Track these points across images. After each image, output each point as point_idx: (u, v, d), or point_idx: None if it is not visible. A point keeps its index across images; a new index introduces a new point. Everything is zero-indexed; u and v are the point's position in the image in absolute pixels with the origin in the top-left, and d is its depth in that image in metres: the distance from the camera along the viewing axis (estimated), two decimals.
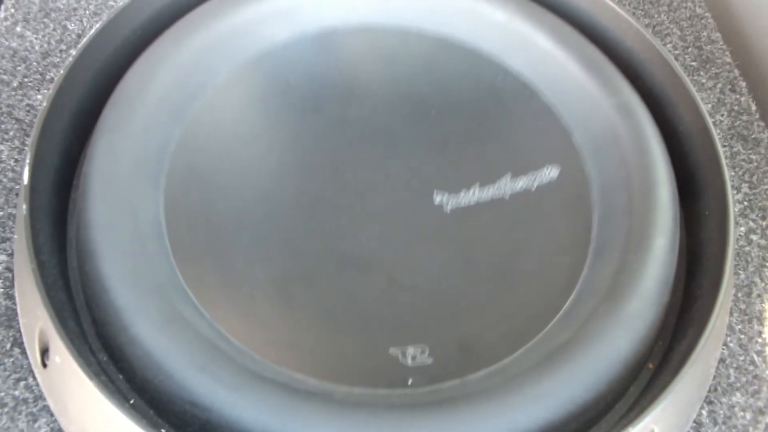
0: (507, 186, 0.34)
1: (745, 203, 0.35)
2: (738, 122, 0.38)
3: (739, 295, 0.32)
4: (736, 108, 0.39)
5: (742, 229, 0.34)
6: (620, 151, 0.32)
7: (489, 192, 0.34)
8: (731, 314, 0.31)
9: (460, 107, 0.37)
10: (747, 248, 0.33)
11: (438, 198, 0.34)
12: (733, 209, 0.28)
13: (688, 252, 0.32)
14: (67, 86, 0.30)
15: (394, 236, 0.32)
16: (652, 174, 0.31)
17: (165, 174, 0.31)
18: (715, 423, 0.28)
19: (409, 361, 0.28)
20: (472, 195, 0.34)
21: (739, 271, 0.33)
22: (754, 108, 0.39)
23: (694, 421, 0.28)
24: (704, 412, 0.29)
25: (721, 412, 0.29)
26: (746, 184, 0.36)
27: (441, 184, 0.34)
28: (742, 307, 0.32)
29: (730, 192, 0.29)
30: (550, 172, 0.34)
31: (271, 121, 0.35)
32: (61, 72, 0.29)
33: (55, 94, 0.29)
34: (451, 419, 0.24)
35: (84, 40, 0.31)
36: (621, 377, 0.26)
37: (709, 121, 0.31)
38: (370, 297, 0.30)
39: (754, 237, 0.34)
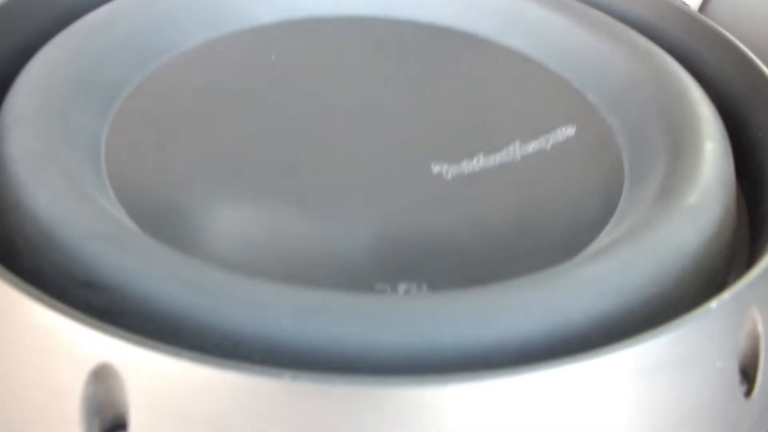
0: (517, 151, 0.29)
1: None
2: None
3: None
4: None
5: None
6: (644, 93, 0.28)
7: (496, 159, 0.29)
8: None
9: (459, 86, 0.33)
10: None
11: (437, 169, 0.29)
12: None
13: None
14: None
15: (385, 194, 0.26)
16: (685, 98, 0.26)
17: (114, 109, 0.26)
18: None
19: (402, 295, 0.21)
20: (476, 163, 0.29)
21: None
22: None
23: None
24: None
25: None
26: None
27: (439, 157, 0.29)
28: None
29: None
30: (565, 131, 0.29)
31: (248, 89, 0.32)
32: None
33: None
34: (483, 302, 0.16)
35: None
36: (691, 273, 0.19)
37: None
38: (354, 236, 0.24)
39: None
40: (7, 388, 0.15)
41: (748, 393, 0.17)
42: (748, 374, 0.17)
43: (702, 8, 0.49)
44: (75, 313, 0.14)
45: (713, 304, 0.15)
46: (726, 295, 0.16)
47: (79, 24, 0.28)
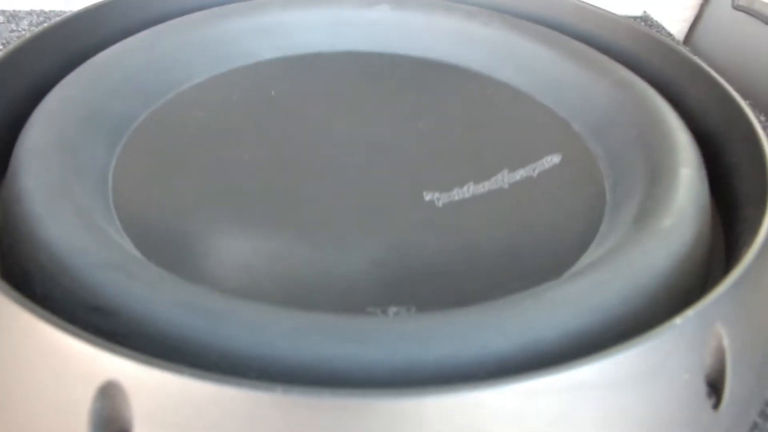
0: (505, 179, 0.31)
1: None
2: None
3: None
4: None
5: None
6: (625, 122, 0.30)
7: (485, 187, 0.30)
8: None
9: (450, 118, 0.35)
10: None
11: (428, 197, 0.30)
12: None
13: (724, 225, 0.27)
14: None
15: (378, 222, 0.27)
16: (663, 126, 0.28)
17: (121, 144, 0.28)
18: None
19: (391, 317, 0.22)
20: (467, 191, 0.30)
21: None
22: (763, 118, 0.37)
23: None
24: None
25: None
26: None
27: (431, 186, 0.30)
28: None
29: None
30: (551, 160, 0.31)
31: (250, 123, 0.33)
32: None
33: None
34: (462, 323, 0.18)
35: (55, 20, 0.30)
36: (663, 293, 0.20)
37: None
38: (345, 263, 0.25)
39: None
40: (20, 405, 0.16)
41: (716, 405, 0.18)
42: (716, 387, 0.18)
43: (687, 39, 0.51)
44: (84, 335, 0.15)
45: (678, 320, 0.17)
46: (690, 312, 0.17)
47: (88, 64, 0.30)
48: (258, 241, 0.25)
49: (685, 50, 0.32)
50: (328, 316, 0.17)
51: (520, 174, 0.30)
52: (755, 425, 0.20)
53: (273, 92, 0.35)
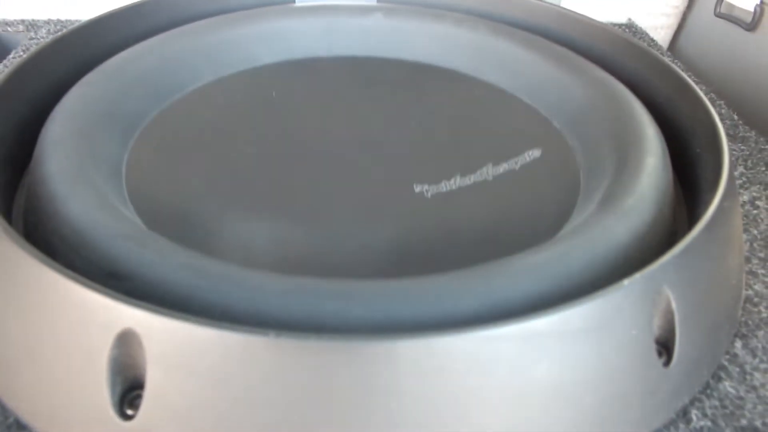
0: (489, 172, 0.33)
1: (744, 179, 0.33)
2: (723, 126, 0.37)
3: (755, 245, 0.28)
4: (718, 116, 0.38)
5: (746, 197, 0.32)
6: (598, 117, 0.32)
7: (471, 179, 0.33)
8: (749, 261, 0.28)
9: (439, 117, 0.37)
10: (755, 212, 0.31)
11: (418, 188, 0.32)
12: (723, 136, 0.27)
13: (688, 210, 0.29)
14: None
15: (370, 210, 0.30)
16: (633, 120, 0.30)
17: (134, 137, 0.30)
18: (754, 355, 0.23)
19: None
20: (453, 183, 0.33)
21: (751, 229, 0.30)
22: (736, 117, 0.39)
23: (730, 353, 0.23)
24: (738, 345, 0.24)
25: (759, 345, 0.24)
26: (741, 166, 0.34)
27: (421, 178, 0.33)
28: (761, 255, 0.28)
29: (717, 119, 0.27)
30: (532, 154, 0.33)
31: (251, 121, 0.36)
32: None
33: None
34: (435, 285, 0.20)
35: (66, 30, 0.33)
36: (622, 263, 0.22)
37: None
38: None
39: (759, 203, 0.31)
40: (47, 355, 0.19)
41: (667, 363, 0.20)
42: (667, 347, 0.20)
43: (671, 46, 0.53)
44: (104, 289, 0.17)
45: (625, 281, 0.19)
46: (638, 275, 0.19)
47: (103, 65, 0.32)
48: (257, 225, 0.27)
49: (656, 52, 0.34)
50: (315, 279, 0.20)
51: (503, 167, 0.32)
52: (707, 385, 0.22)
53: (274, 93, 0.37)
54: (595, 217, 0.24)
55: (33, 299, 0.19)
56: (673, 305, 0.20)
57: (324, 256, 0.26)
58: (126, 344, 0.17)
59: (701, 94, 0.30)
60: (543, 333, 0.17)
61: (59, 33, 0.33)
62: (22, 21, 0.45)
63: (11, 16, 0.46)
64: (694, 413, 0.21)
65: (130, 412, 0.18)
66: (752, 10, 0.44)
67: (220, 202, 0.28)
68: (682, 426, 0.21)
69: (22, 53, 0.41)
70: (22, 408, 0.20)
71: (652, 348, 0.20)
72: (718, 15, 0.48)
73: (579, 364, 0.18)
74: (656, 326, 0.20)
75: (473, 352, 0.17)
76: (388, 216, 0.28)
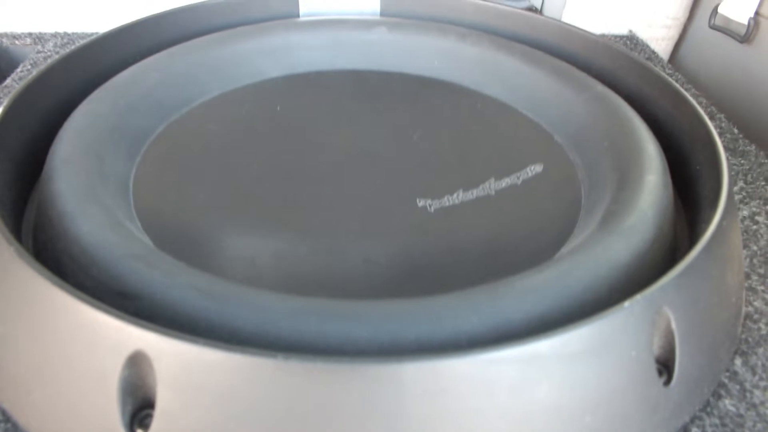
0: (491, 186, 0.33)
1: (744, 194, 0.33)
2: (723, 140, 0.38)
3: (755, 261, 0.29)
4: (719, 130, 0.39)
5: (745, 212, 0.32)
6: (599, 133, 0.32)
7: (473, 194, 0.33)
8: (749, 277, 0.28)
9: (442, 131, 0.38)
10: (754, 227, 0.31)
11: (421, 203, 0.33)
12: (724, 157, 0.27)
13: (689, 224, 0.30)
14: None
15: (374, 224, 0.30)
16: (633, 137, 0.30)
17: (141, 153, 0.31)
18: (754, 372, 0.24)
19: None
20: (456, 198, 0.33)
21: (750, 244, 0.30)
22: (736, 131, 0.39)
23: (730, 371, 0.24)
24: (738, 362, 0.24)
25: (759, 362, 0.24)
26: (741, 181, 0.34)
27: (424, 193, 0.33)
28: (761, 271, 0.28)
29: (717, 139, 0.28)
30: (534, 169, 0.34)
31: (257, 135, 0.36)
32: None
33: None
34: (438, 305, 0.20)
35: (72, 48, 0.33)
36: (623, 283, 0.22)
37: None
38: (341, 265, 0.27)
39: (759, 218, 0.32)
40: (57, 376, 0.19)
41: (667, 382, 0.20)
42: (668, 366, 0.21)
43: (671, 58, 0.54)
44: (115, 311, 0.18)
45: (626, 303, 0.19)
46: (638, 297, 0.19)
47: (110, 83, 0.33)
48: (263, 240, 0.27)
49: (656, 67, 0.35)
50: (321, 300, 0.20)
51: (505, 182, 0.33)
52: (708, 403, 0.22)
53: (278, 107, 0.37)
54: (595, 236, 0.24)
55: (44, 319, 0.19)
56: (673, 325, 0.20)
57: (328, 272, 0.26)
58: (136, 365, 0.18)
59: (700, 110, 0.30)
60: (544, 355, 0.18)
61: (68, 50, 0.33)
62: (30, 34, 0.46)
63: (19, 29, 0.46)
64: (694, 431, 0.22)
65: (140, 431, 0.18)
66: (746, 23, 0.45)
67: (226, 217, 0.28)
68: None
69: (30, 67, 0.42)
70: (33, 426, 0.20)
71: (653, 367, 0.20)
72: (713, 27, 0.49)
73: (579, 384, 0.18)
74: (657, 346, 0.20)
75: (476, 375, 0.17)
76: (392, 231, 0.29)
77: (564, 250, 0.26)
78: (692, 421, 0.22)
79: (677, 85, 0.32)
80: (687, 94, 0.31)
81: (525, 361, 0.18)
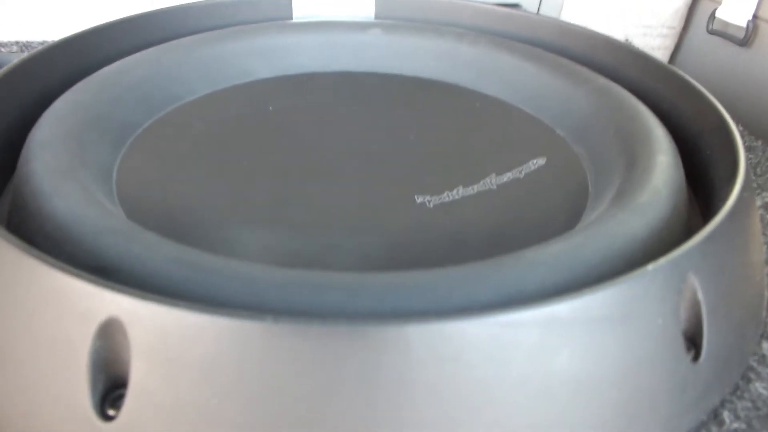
0: (493, 181, 0.32)
1: (755, 185, 0.32)
2: None
3: None
4: None
5: (758, 202, 0.31)
6: (604, 122, 0.31)
7: (474, 189, 0.32)
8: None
9: (440, 130, 0.36)
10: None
11: (420, 199, 0.31)
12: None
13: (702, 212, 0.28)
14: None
15: (370, 219, 0.28)
16: (639, 121, 0.29)
17: (126, 145, 0.29)
18: None
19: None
20: (456, 193, 0.31)
21: (765, 232, 0.28)
22: (741, 128, 0.38)
23: (758, 354, 0.22)
24: (766, 346, 0.22)
25: None
26: (751, 173, 0.33)
27: (422, 189, 0.32)
28: None
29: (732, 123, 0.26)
30: (537, 162, 0.32)
31: (246, 132, 0.35)
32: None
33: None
34: (447, 276, 0.18)
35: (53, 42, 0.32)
36: (641, 257, 0.21)
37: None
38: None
39: None
40: (22, 351, 0.17)
41: (696, 359, 0.19)
42: (695, 343, 0.19)
43: (672, 59, 0.53)
44: (85, 275, 0.16)
45: (650, 266, 0.17)
46: (662, 260, 0.18)
47: (96, 74, 0.31)
48: (252, 234, 0.26)
49: (657, 59, 0.34)
50: (317, 271, 0.18)
51: (507, 176, 0.31)
52: (737, 386, 0.21)
53: (271, 107, 0.36)
54: (609, 212, 0.23)
55: (6, 288, 0.17)
56: (700, 295, 0.19)
57: (323, 267, 0.24)
58: (109, 336, 0.16)
59: (707, 93, 0.29)
60: (564, 319, 0.16)
61: (51, 42, 0.32)
62: (17, 42, 0.45)
63: (6, 37, 0.45)
64: (726, 415, 0.20)
65: (111, 412, 0.16)
66: (744, 25, 0.44)
67: (213, 211, 0.26)
68: (714, 429, 0.19)
69: None
70: None
71: (680, 340, 0.18)
72: (711, 32, 0.48)
73: (603, 354, 0.17)
74: (683, 319, 0.19)
75: (489, 340, 0.16)
76: (389, 226, 0.27)
77: (576, 228, 0.25)
78: (722, 404, 0.20)
79: (682, 73, 0.31)
80: (692, 80, 0.30)
81: (543, 326, 0.16)
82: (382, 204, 0.29)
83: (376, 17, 0.43)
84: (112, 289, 0.16)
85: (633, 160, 0.26)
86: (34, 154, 0.24)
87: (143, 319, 0.15)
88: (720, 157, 0.27)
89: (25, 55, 0.29)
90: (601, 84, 0.33)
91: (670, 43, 0.53)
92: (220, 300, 0.18)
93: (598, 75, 0.34)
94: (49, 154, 0.24)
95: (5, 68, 0.28)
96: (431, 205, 0.29)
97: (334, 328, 0.15)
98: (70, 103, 0.28)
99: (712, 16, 0.47)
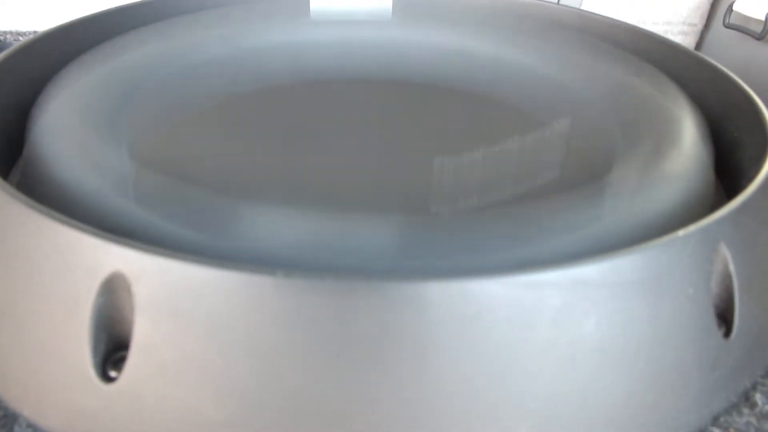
0: (519, 145, 0.31)
1: None
2: None
3: None
4: None
5: None
6: (631, 94, 0.30)
7: (498, 149, 0.31)
8: None
9: (459, 115, 0.35)
10: None
11: (439, 160, 0.30)
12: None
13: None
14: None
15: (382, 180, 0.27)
16: (668, 95, 0.28)
17: (136, 108, 0.29)
18: None
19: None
20: (479, 154, 0.30)
21: None
22: None
23: None
24: None
25: None
26: None
27: (443, 150, 0.30)
28: None
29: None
30: (565, 126, 0.32)
31: (261, 129, 0.33)
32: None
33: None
34: (457, 239, 0.18)
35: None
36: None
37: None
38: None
39: None
40: (19, 308, 0.16)
41: (727, 334, 0.18)
42: (726, 319, 0.18)
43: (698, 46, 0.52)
44: (89, 228, 0.15)
45: (680, 232, 0.16)
46: (693, 227, 0.17)
47: (106, 43, 0.31)
48: (267, 206, 0.25)
49: (680, 45, 0.33)
50: (334, 215, 0.18)
51: (531, 147, 0.30)
52: None
53: (285, 110, 0.35)
54: (638, 181, 0.22)
55: (9, 243, 0.17)
56: (731, 267, 0.18)
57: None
58: (113, 291, 0.15)
59: (732, 74, 0.28)
60: (592, 282, 0.15)
61: (56, 25, 0.32)
62: (35, 32, 0.45)
63: (23, 27, 0.45)
64: (758, 397, 0.19)
65: (113, 374, 0.15)
66: (763, 18, 0.43)
67: (225, 175, 0.26)
68: (746, 410, 0.18)
69: None
70: None
71: (711, 312, 0.17)
72: (728, 26, 0.47)
73: (632, 321, 0.16)
74: (714, 293, 0.18)
75: (513, 301, 0.15)
76: (407, 186, 0.26)
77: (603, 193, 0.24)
78: (754, 387, 0.19)
79: (705, 57, 0.30)
80: (714, 62, 0.30)
81: (570, 288, 0.15)
82: (398, 168, 0.28)
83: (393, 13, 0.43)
84: (117, 242, 0.15)
85: (661, 132, 0.26)
86: (42, 121, 0.23)
87: (149, 274, 0.15)
88: (747, 138, 0.26)
89: (27, 39, 0.29)
90: (628, 58, 0.32)
91: (691, 41, 0.52)
92: (230, 252, 0.17)
93: (626, 53, 0.33)
94: (59, 119, 0.23)
95: (21, 43, 0.27)
96: (451, 166, 0.28)
97: (349, 284, 0.14)
98: (81, 67, 0.28)
99: (730, 9, 0.47)
